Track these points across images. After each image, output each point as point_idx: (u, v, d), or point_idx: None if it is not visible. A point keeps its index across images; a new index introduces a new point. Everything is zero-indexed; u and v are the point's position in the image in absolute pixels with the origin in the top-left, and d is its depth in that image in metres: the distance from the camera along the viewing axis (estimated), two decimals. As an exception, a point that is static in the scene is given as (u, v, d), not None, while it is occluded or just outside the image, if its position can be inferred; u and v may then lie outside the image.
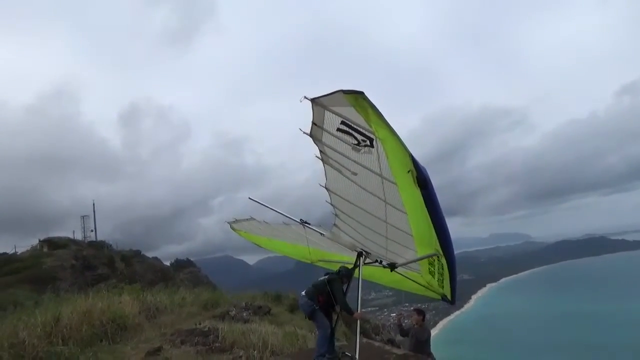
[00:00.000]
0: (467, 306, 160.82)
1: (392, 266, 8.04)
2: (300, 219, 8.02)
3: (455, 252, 5.55)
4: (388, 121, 3.67)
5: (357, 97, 3.54)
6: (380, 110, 3.58)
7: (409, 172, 4.11)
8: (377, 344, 11.76)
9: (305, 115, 4.32)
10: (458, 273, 6.61)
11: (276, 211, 8.11)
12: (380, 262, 8.27)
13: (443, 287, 7.43)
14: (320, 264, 10.22)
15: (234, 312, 15.39)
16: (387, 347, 10.30)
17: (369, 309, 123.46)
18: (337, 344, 8.99)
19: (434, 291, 8.24)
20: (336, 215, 7.49)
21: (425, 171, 4.11)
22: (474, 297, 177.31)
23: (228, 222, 9.90)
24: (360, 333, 8.15)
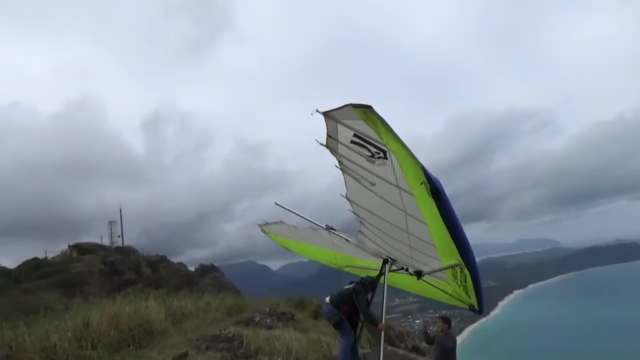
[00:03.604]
0: (493, 313, 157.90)
1: (419, 274, 7.92)
2: (326, 225, 8.03)
3: (480, 258, 5.40)
4: (397, 134, 3.64)
5: (365, 111, 3.54)
6: (389, 124, 3.56)
7: (422, 184, 4.06)
8: (401, 351, 11.68)
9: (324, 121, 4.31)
10: (483, 279, 6.46)
11: (301, 216, 8.14)
12: (407, 270, 8.17)
13: (469, 297, 7.30)
14: (347, 269, 10.20)
15: (258, 318, 15.42)
16: (412, 355, 10.21)
17: (393, 315, 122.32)
18: (361, 351, 8.94)
19: (461, 300, 8.11)
20: (361, 222, 7.46)
21: (438, 182, 4.03)
22: (500, 304, 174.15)
23: (259, 225, 10.03)
24: (384, 341, 8.08)
